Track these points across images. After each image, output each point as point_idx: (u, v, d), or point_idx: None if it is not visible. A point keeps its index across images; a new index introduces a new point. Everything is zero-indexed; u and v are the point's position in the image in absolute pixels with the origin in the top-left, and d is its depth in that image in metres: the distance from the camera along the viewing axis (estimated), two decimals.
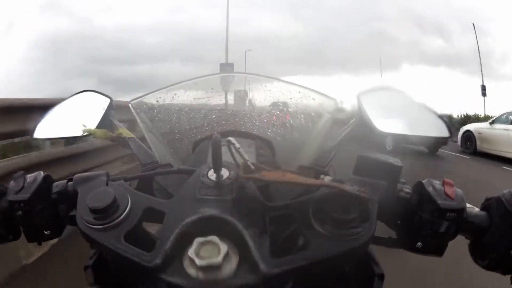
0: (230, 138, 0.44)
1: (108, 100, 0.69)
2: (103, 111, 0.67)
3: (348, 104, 0.71)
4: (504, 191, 0.48)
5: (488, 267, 0.47)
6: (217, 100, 0.81)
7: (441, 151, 10.05)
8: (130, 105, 0.71)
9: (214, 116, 0.79)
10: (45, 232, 0.49)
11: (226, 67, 17.87)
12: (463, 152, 10.09)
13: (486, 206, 0.49)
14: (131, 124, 0.85)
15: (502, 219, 0.46)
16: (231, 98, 0.85)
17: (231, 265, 0.37)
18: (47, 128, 0.66)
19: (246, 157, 0.44)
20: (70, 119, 0.65)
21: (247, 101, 0.82)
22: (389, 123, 0.63)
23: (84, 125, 0.63)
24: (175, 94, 0.79)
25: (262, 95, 0.77)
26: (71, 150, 3.52)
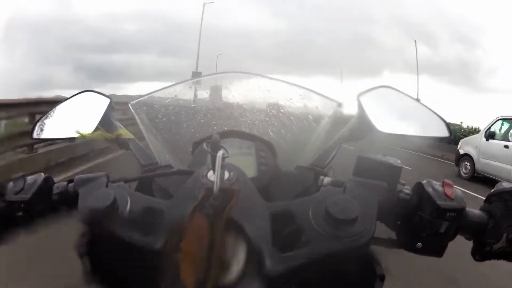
0: (223, 148, 0.43)
1: (108, 101, 0.68)
2: (103, 112, 0.67)
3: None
4: (504, 184, 0.48)
5: (504, 248, 0.46)
6: (216, 99, 0.82)
7: None
8: (129, 105, 0.71)
9: (213, 116, 0.79)
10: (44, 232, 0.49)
11: (197, 75, 18.07)
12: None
13: (486, 205, 0.49)
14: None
15: (499, 201, 0.47)
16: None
17: (239, 264, 0.38)
18: (46, 128, 0.66)
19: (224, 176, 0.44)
20: (69, 120, 0.65)
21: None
22: (389, 124, 0.63)
23: (83, 126, 0.63)
24: (174, 95, 0.79)
25: (261, 95, 0.77)
26: None
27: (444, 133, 0.63)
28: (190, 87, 0.81)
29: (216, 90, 0.82)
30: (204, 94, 0.84)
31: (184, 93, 0.80)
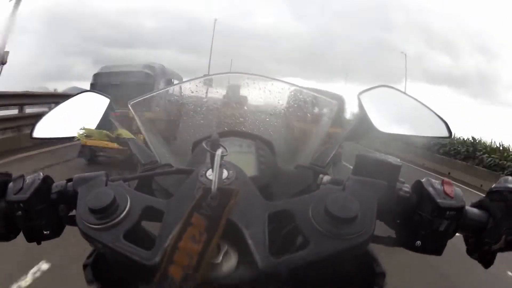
0: (222, 145, 0.43)
1: (108, 101, 0.69)
2: (103, 112, 0.67)
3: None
4: (509, 179, 0.48)
5: (502, 249, 0.46)
6: (216, 99, 0.82)
7: None
8: (129, 106, 0.71)
9: (213, 116, 0.79)
10: (45, 232, 0.49)
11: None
12: None
13: (481, 203, 0.49)
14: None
15: (499, 201, 0.46)
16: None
17: (231, 263, 0.38)
18: (46, 128, 0.66)
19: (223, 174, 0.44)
20: (70, 120, 0.65)
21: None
22: (389, 123, 0.63)
23: (83, 126, 0.63)
24: (175, 95, 0.79)
25: (263, 95, 0.77)
26: None
27: (444, 133, 0.63)
28: (191, 88, 0.81)
29: (234, 89, 0.82)
30: (204, 94, 0.84)
31: (185, 93, 0.81)
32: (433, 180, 0.47)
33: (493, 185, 0.48)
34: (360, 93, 0.65)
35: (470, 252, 0.49)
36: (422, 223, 0.46)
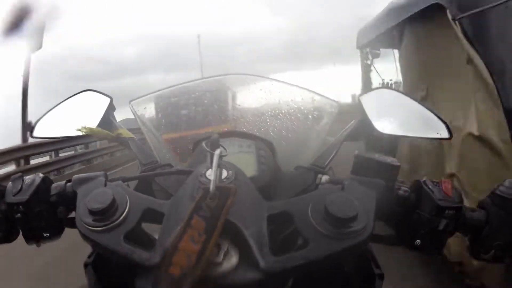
0: (221, 145, 0.43)
1: (108, 100, 0.69)
2: (103, 111, 0.67)
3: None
4: (497, 186, 0.48)
5: (489, 261, 0.47)
6: (217, 100, 0.82)
7: None
8: (130, 105, 0.71)
9: (214, 117, 0.79)
10: (44, 234, 0.49)
11: None
12: None
13: (482, 202, 0.49)
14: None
15: (500, 208, 0.46)
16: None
17: (231, 263, 0.38)
18: (47, 127, 0.66)
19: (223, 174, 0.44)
20: (70, 119, 0.65)
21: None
22: (389, 124, 0.63)
23: (83, 125, 0.63)
24: (175, 95, 0.79)
25: (263, 96, 0.77)
26: None
27: (444, 134, 0.63)
28: (191, 89, 0.81)
29: (234, 90, 0.82)
30: (205, 94, 0.84)
31: (186, 94, 0.81)
32: (432, 180, 0.48)
33: (498, 186, 0.48)
34: (361, 94, 0.66)
35: (470, 251, 0.49)
36: (421, 222, 0.46)
